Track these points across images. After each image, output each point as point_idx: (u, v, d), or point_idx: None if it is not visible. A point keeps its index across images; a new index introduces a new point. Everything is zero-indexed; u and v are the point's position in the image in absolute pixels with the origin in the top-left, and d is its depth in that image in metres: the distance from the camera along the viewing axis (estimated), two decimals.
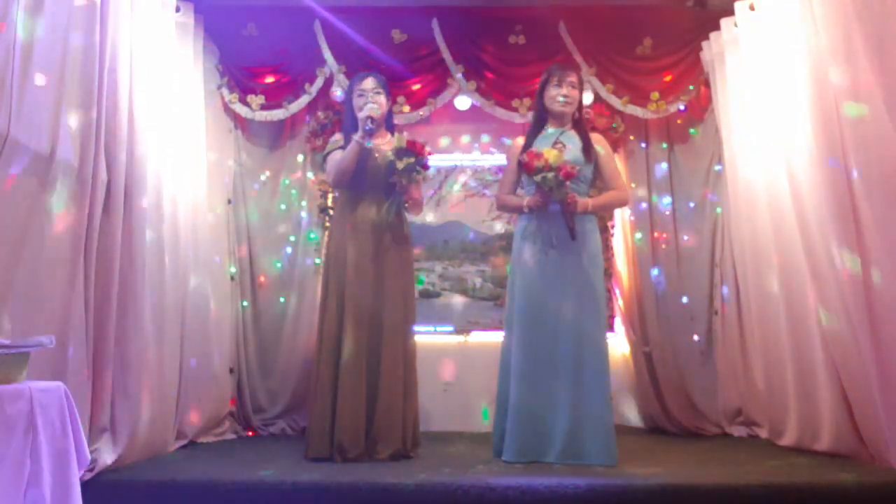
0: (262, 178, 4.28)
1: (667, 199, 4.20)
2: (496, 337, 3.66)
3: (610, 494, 2.48)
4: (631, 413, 4.13)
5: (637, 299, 4.10)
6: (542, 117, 3.33)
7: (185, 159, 3.51)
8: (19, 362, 1.88)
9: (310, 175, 4.25)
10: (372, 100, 3.20)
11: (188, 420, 3.45)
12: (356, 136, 3.17)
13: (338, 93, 4.08)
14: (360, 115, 3.17)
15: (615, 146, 4.11)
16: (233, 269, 4.10)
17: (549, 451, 3.00)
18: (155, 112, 3.18)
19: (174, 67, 3.43)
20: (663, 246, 4.15)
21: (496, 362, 3.29)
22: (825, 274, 2.97)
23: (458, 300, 4.34)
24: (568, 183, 3.06)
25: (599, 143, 3.29)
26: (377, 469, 2.81)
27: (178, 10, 3.53)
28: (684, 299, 4.11)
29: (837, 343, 2.95)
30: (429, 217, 4.32)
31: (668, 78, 4.12)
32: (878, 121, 2.66)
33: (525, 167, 3.11)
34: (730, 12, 3.69)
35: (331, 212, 4.14)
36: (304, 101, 4.10)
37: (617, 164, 3.55)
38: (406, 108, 4.08)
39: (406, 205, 3.33)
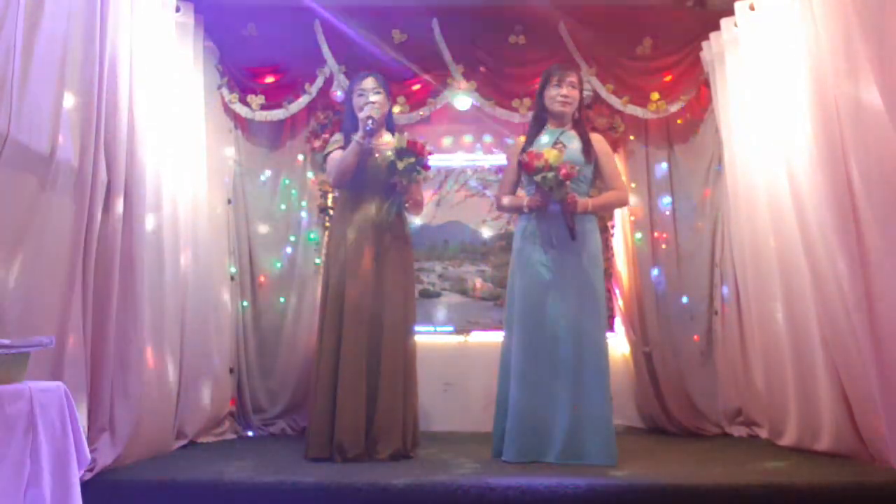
0: (262, 178, 4.28)
1: (667, 199, 4.20)
2: (496, 337, 3.66)
3: (610, 494, 2.48)
4: (631, 413, 4.12)
5: (637, 299, 4.10)
6: (542, 117, 3.33)
7: (185, 159, 3.51)
8: (19, 362, 1.88)
9: (310, 175, 4.26)
10: (372, 99, 3.19)
11: (188, 420, 3.45)
12: (356, 136, 3.17)
13: (338, 93, 4.08)
14: (361, 115, 3.17)
15: (615, 146, 4.11)
16: (233, 269, 4.10)
17: (549, 451, 3.00)
18: (155, 112, 3.18)
19: (174, 67, 3.43)
20: (663, 246, 4.16)
21: (496, 362, 3.29)
22: (825, 273, 2.97)
23: (458, 300, 4.34)
24: (568, 183, 3.06)
25: (599, 144, 3.29)
26: (377, 469, 2.80)
27: (178, 10, 3.53)
28: (684, 299, 4.11)
29: (837, 343, 2.95)
30: (429, 217, 4.31)
31: (668, 78, 4.12)
32: (878, 121, 2.66)
33: (525, 167, 3.11)
34: (730, 12, 3.69)
35: (331, 212, 4.14)
36: (304, 101, 4.11)
37: (617, 164, 3.55)
38: (406, 108, 4.08)
39: (406, 205, 3.33)
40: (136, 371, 2.92)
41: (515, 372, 3.08)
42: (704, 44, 4.02)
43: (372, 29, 4.06)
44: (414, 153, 3.11)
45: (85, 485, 2.16)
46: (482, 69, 4.11)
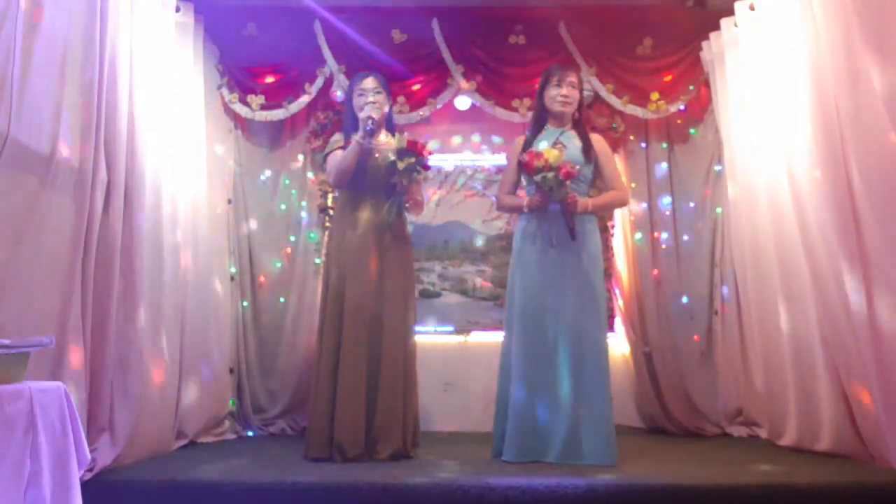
0: (262, 178, 4.28)
1: (667, 199, 4.20)
2: (496, 337, 3.66)
3: (610, 494, 2.48)
4: (631, 413, 4.12)
5: (637, 299, 4.10)
6: (542, 117, 3.33)
7: (185, 159, 3.51)
8: (19, 362, 1.88)
9: (310, 175, 4.25)
10: (372, 99, 3.19)
11: (188, 420, 3.45)
12: (357, 137, 3.16)
13: (338, 93, 4.08)
14: (361, 115, 3.16)
15: (615, 146, 4.11)
16: (233, 269, 4.10)
17: (549, 451, 3.00)
18: (155, 112, 3.19)
19: (174, 67, 3.43)
20: (663, 246, 4.16)
21: (496, 362, 3.29)
22: (825, 274, 2.97)
23: (458, 300, 4.34)
24: (568, 183, 3.06)
25: (599, 144, 3.29)
26: (377, 469, 2.80)
27: (178, 10, 3.53)
28: (684, 299, 4.11)
29: (837, 343, 2.95)
30: (429, 217, 4.31)
31: (668, 78, 4.12)
32: (878, 121, 2.66)
33: (525, 167, 3.11)
34: (730, 12, 3.69)
35: (331, 212, 4.14)
36: (304, 101, 4.10)
37: (616, 164, 3.55)
38: (406, 108, 4.08)
39: (406, 205, 3.33)
40: (136, 371, 2.92)
41: (516, 372, 3.08)
42: (704, 44, 4.02)
43: (372, 29, 4.06)
44: (414, 153, 3.11)
45: (85, 485, 2.16)
46: (482, 69, 4.10)
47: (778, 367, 3.46)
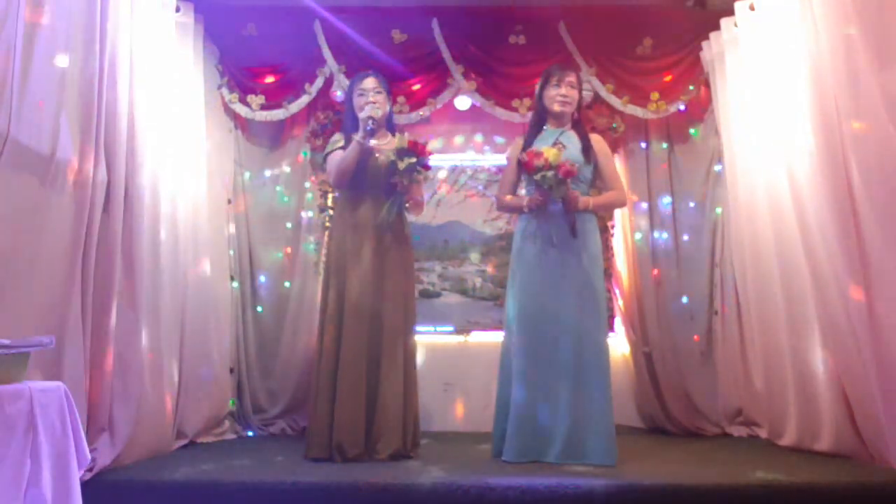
0: (262, 178, 4.28)
1: (667, 199, 4.20)
2: (496, 337, 3.66)
3: (610, 494, 2.48)
4: (631, 413, 4.12)
5: (637, 299, 4.10)
6: (542, 117, 3.33)
7: (185, 159, 3.51)
8: (19, 362, 1.88)
9: (310, 176, 4.25)
10: (373, 99, 3.19)
11: (188, 420, 3.45)
12: (357, 137, 3.16)
13: (338, 93, 4.08)
14: (361, 115, 3.16)
15: (615, 146, 4.11)
16: (232, 270, 4.09)
17: (549, 451, 3.00)
18: (155, 112, 3.18)
19: (174, 67, 3.43)
20: (663, 246, 4.16)
21: (496, 362, 3.29)
22: (825, 274, 2.97)
23: (457, 300, 4.34)
24: (568, 181, 3.06)
25: (598, 144, 3.29)
26: (377, 469, 2.80)
27: (178, 10, 3.53)
28: (684, 299, 4.11)
29: (837, 343, 2.95)
30: (429, 217, 4.31)
31: (668, 78, 4.12)
32: (878, 121, 2.66)
33: (525, 166, 3.11)
34: (730, 12, 3.69)
35: (331, 212, 4.14)
36: (304, 101, 4.10)
37: (616, 164, 3.55)
38: (406, 108, 4.08)
39: (407, 205, 3.33)
40: (136, 371, 2.92)
41: (516, 372, 3.08)
42: (704, 44, 4.02)
43: (372, 29, 4.06)
44: (414, 153, 3.11)
45: (84, 485, 2.16)
46: (482, 69, 4.10)
47: (778, 367, 3.46)
